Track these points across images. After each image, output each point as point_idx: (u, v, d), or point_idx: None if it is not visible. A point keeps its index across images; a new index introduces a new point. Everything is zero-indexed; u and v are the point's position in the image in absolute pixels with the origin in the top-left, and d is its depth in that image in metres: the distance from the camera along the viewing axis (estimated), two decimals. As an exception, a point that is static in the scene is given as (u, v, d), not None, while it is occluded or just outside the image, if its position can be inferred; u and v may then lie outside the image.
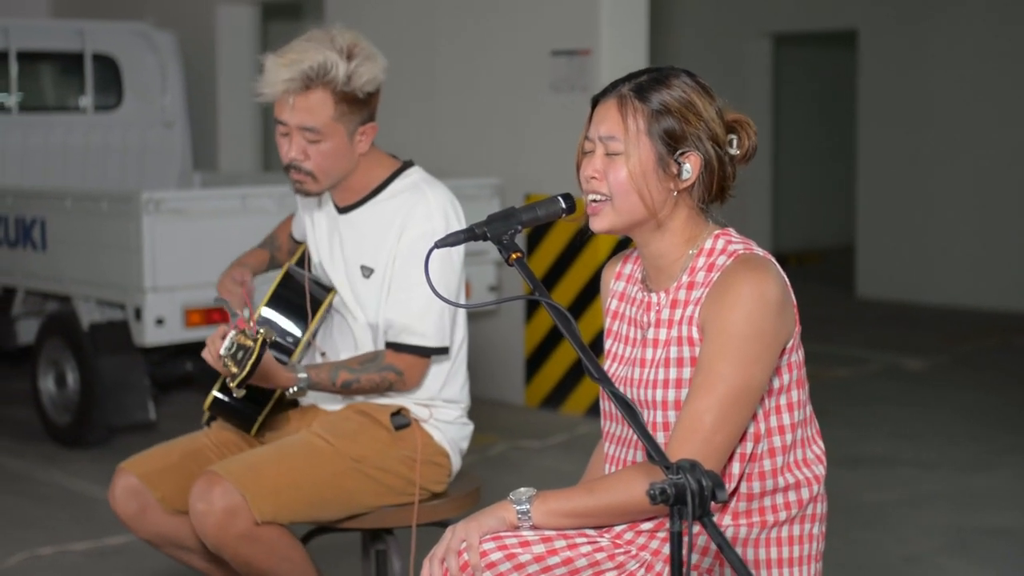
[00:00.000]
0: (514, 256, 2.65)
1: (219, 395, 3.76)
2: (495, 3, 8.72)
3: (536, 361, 8.42)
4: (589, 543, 2.70)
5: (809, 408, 2.85)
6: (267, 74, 3.64)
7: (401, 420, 3.73)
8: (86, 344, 7.49)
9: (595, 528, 2.74)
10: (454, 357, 3.80)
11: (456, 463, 3.83)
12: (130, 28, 10.01)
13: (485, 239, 2.69)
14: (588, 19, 8.14)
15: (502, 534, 2.68)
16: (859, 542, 5.77)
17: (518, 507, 2.69)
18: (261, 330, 3.12)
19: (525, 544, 2.66)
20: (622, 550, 2.72)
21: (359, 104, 3.70)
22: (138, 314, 6.99)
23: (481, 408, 8.45)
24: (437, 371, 3.78)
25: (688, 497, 2.19)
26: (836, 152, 16.52)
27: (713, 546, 2.69)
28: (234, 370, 3.11)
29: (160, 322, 6.96)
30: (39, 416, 7.88)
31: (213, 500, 3.43)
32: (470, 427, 3.89)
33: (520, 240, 8.40)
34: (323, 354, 3.85)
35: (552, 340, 8.24)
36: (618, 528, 2.75)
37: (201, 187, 9.65)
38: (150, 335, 6.97)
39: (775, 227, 15.21)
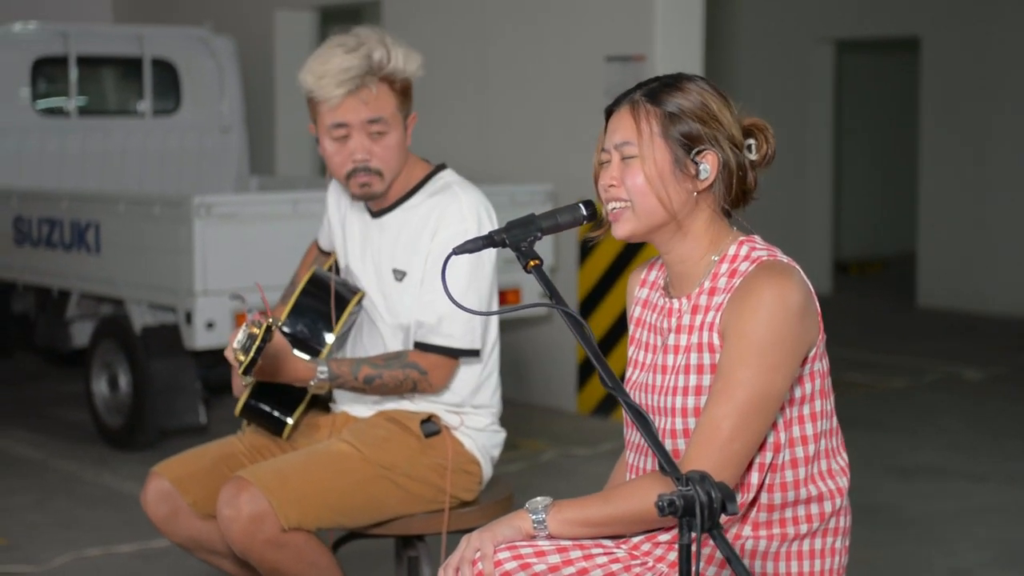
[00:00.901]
0: (532, 263, 2.64)
1: (250, 400, 3.76)
2: (548, 8, 8.71)
3: (588, 368, 8.40)
4: (605, 554, 2.67)
5: (835, 419, 2.80)
6: (322, 81, 3.61)
7: (431, 427, 3.71)
8: (138, 347, 7.54)
9: (612, 538, 2.71)
10: (485, 361, 3.78)
11: (487, 471, 3.81)
12: (189, 33, 10.09)
13: (504, 246, 2.68)
14: (643, 25, 8.11)
15: (517, 543, 2.66)
16: (906, 554, 5.71)
17: (534, 516, 2.67)
18: (270, 318, 3.12)
19: (540, 554, 2.64)
20: (639, 561, 2.69)
21: (409, 94, 3.75)
22: (189, 318, 7.03)
23: (533, 415, 8.45)
24: (469, 375, 3.76)
25: (697, 509, 2.16)
26: (899, 160, 16.37)
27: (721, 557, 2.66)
28: (241, 358, 3.11)
29: (211, 326, 7.00)
30: (92, 418, 7.95)
31: (240, 506, 3.44)
32: (502, 434, 3.87)
33: (571, 252, 8.38)
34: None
35: (604, 347, 8.20)
36: (635, 539, 2.72)
37: (258, 191, 9.69)
38: (200, 338, 7.01)
39: (836, 236, 15.09)
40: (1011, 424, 8.19)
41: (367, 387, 3.62)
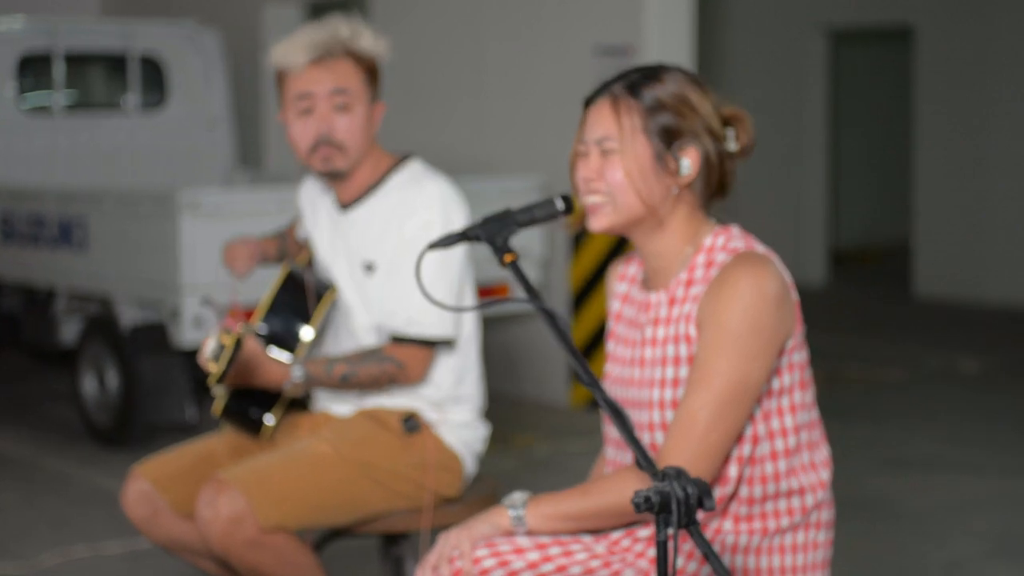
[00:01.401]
0: (508, 258, 2.59)
1: (229, 401, 3.71)
2: (541, 1, 8.66)
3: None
4: (584, 550, 2.64)
5: (815, 412, 2.76)
6: (288, 49, 3.61)
7: (412, 424, 3.67)
8: (126, 345, 7.49)
9: (592, 532, 2.68)
10: (464, 351, 3.73)
11: (470, 467, 3.77)
12: (175, 28, 10.03)
13: (479, 241, 2.63)
14: (633, 15, 8.07)
15: (496, 540, 2.63)
16: (902, 546, 5.68)
17: (512, 512, 2.64)
18: (239, 327, 3.09)
19: (519, 551, 2.61)
20: (618, 557, 2.66)
21: (375, 77, 3.72)
22: (175, 315, 6.98)
23: (524, 410, 8.41)
24: (447, 368, 3.72)
25: (673, 505, 2.12)
26: (894, 150, 16.32)
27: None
28: (212, 368, 3.07)
29: (198, 323, 6.94)
30: (81, 417, 7.90)
31: (218, 507, 3.40)
32: (484, 430, 3.82)
33: (563, 246, 8.33)
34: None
35: (596, 341, 8.16)
36: (615, 535, 2.68)
37: (247, 186, 9.64)
38: (188, 335, 6.95)
39: (833, 226, 15.05)
40: (1007, 415, 8.15)
41: (343, 384, 3.58)
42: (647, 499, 2.12)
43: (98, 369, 7.78)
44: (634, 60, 7.93)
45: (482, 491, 3.83)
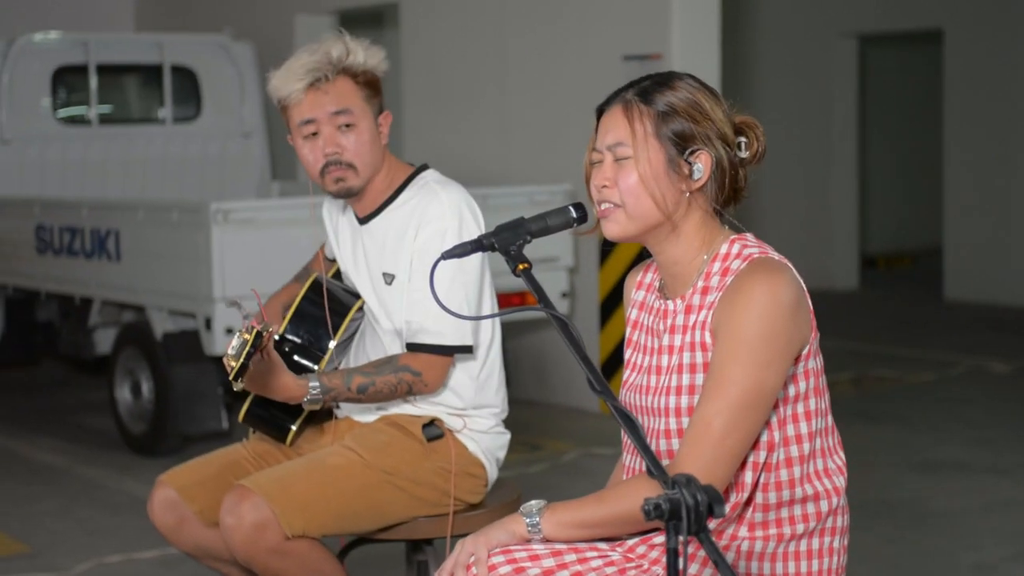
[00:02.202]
0: (521, 267, 2.63)
1: (253, 407, 3.76)
2: (565, 8, 8.71)
3: (611, 368, 8.37)
4: (600, 557, 2.66)
5: (830, 418, 2.78)
6: (282, 78, 3.65)
7: (434, 431, 3.70)
8: (160, 354, 7.57)
9: (607, 540, 2.70)
10: (483, 359, 3.76)
11: (492, 473, 3.80)
12: (208, 40, 10.13)
13: (493, 250, 2.67)
14: (659, 24, 8.09)
15: (512, 548, 2.64)
16: (929, 549, 5.68)
17: (528, 519, 2.66)
18: (259, 325, 3.12)
19: (535, 557, 2.63)
20: (633, 564, 2.68)
21: (377, 89, 3.73)
22: (208, 324, 7.04)
23: (555, 415, 8.45)
24: (468, 376, 3.74)
25: (683, 512, 2.15)
26: (925, 154, 16.28)
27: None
28: (232, 363, 3.11)
29: (230, 331, 7.01)
30: (116, 425, 7.98)
31: (242, 514, 3.43)
32: (506, 436, 3.86)
33: (591, 253, 8.36)
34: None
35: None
36: (631, 542, 2.70)
37: (279, 197, 9.71)
38: (220, 344, 7.02)
39: (863, 230, 15.01)
40: (1037, 417, 8.15)
41: (362, 396, 3.61)
42: (657, 506, 2.15)
43: (132, 378, 7.86)
44: (661, 68, 7.95)
45: (505, 497, 3.86)
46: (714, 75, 8.14)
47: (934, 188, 14.90)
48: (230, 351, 3.13)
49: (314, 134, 3.66)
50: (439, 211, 3.64)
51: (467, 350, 3.68)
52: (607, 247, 8.25)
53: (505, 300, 7.61)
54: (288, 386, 3.48)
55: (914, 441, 7.58)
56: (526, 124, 8.96)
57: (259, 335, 3.09)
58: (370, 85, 3.70)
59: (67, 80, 9.63)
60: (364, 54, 3.68)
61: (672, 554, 2.17)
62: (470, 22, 9.35)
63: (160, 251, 7.43)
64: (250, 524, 3.42)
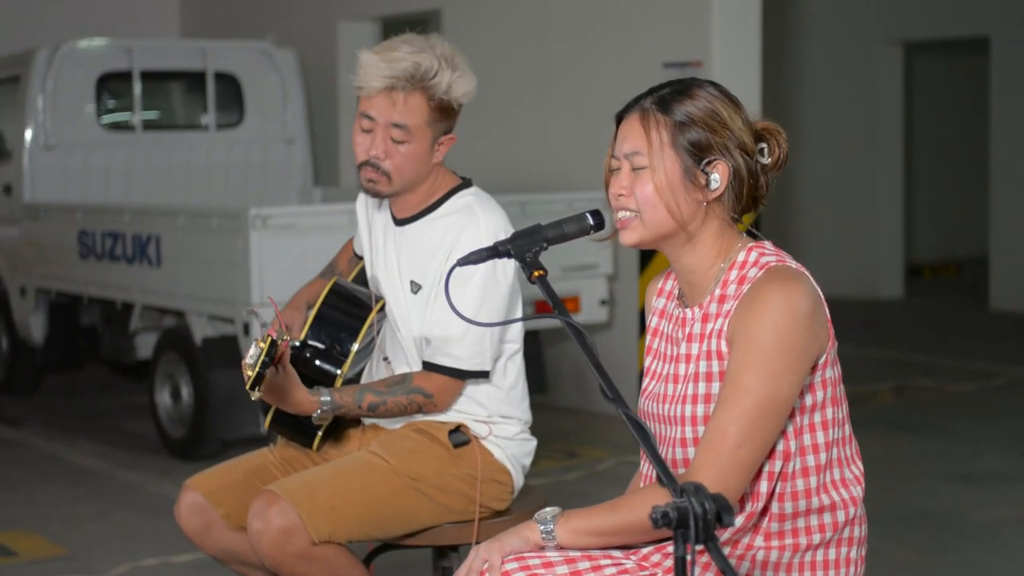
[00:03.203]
0: (536, 274, 2.63)
1: (278, 414, 3.77)
2: (606, 16, 8.71)
3: (649, 375, 8.35)
4: (614, 565, 2.66)
5: (848, 427, 2.77)
6: (366, 68, 3.63)
7: (460, 437, 3.70)
8: (199, 358, 7.61)
9: (621, 548, 2.70)
10: (508, 370, 3.75)
11: (518, 480, 3.80)
12: (251, 47, 10.18)
13: (509, 256, 2.67)
14: (700, 31, 8.08)
15: (525, 555, 2.65)
16: (967, 561, 5.65)
17: (542, 527, 2.66)
18: (272, 335, 3.13)
19: (548, 565, 2.63)
20: (647, 572, 2.67)
21: (449, 114, 3.70)
22: (246, 329, 7.08)
23: (594, 422, 8.44)
24: (495, 386, 3.74)
25: (691, 521, 2.14)
26: (971, 162, 16.18)
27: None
28: (248, 373, 3.12)
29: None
30: (156, 429, 8.03)
31: (270, 519, 3.45)
32: (532, 443, 3.85)
33: (632, 261, 8.35)
34: (386, 358, 3.83)
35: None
36: (645, 550, 2.70)
37: (322, 202, 9.75)
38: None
39: (908, 238, 14.93)
40: (1079, 428, 8.09)
41: (372, 414, 3.63)
42: (664, 514, 2.14)
43: (172, 382, 7.91)
44: (701, 75, 7.94)
45: (532, 504, 3.85)
46: (755, 82, 8.13)
47: (980, 196, 14.80)
48: (248, 359, 3.15)
49: (370, 130, 3.67)
50: (475, 237, 3.59)
51: (483, 375, 3.67)
52: (647, 254, 8.24)
53: (544, 308, 7.61)
54: (301, 401, 3.50)
55: (954, 452, 7.53)
56: (566, 131, 8.96)
57: (273, 344, 3.10)
58: (442, 110, 3.66)
59: (111, 86, 9.69)
60: (449, 81, 3.63)
61: (680, 562, 2.17)
62: (511, 28, 9.37)
63: (200, 256, 7.48)
64: (277, 529, 3.44)
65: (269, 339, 3.11)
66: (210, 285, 7.40)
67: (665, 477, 2.27)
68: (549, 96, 9.12)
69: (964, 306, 13.32)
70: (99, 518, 6.59)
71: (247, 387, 3.12)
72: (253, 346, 3.15)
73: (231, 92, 10.00)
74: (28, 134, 9.35)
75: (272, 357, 3.10)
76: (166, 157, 9.77)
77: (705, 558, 2.64)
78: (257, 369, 3.09)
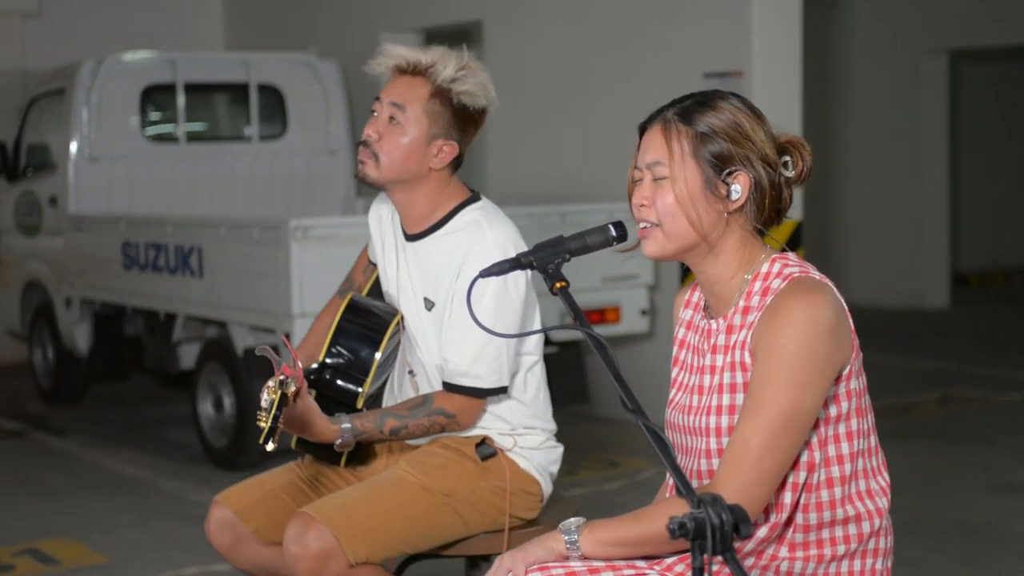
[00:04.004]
0: (558, 285, 2.64)
1: None
2: (647, 27, 8.71)
3: (690, 385, 8.34)
4: (637, 575, 2.66)
5: (874, 438, 2.76)
6: (384, 56, 3.67)
7: (487, 450, 3.70)
8: (241, 369, 7.65)
9: (644, 558, 2.70)
10: (530, 382, 3.76)
11: (547, 488, 3.80)
12: (294, 58, 10.24)
13: (532, 268, 2.68)
14: (741, 41, 8.07)
15: (549, 565, 2.65)
16: (1007, 572, 5.62)
17: (567, 537, 2.67)
18: (284, 381, 3.10)
19: (571, 575, 2.63)
20: (670, 583, 2.68)
21: (451, 111, 3.66)
22: (287, 340, 7.10)
23: (635, 433, 8.41)
24: (517, 400, 3.74)
25: (708, 532, 2.15)
26: (1018, 170, 16.07)
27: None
28: (261, 424, 3.07)
29: (308, 347, 7.05)
30: (199, 439, 8.08)
31: (307, 543, 3.45)
32: (559, 449, 3.85)
33: (672, 271, 8.34)
34: (411, 372, 3.84)
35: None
36: (669, 560, 2.70)
37: (364, 214, 9.77)
38: (300, 361, 7.06)
39: (955, 248, 14.85)
40: (1124, 439, 8.02)
41: (394, 438, 3.64)
42: (681, 525, 2.15)
43: (215, 393, 7.96)
44: (742, 85, 7.93)
45: (564, 513, 3.85)
46: (796, 92, 8.11)
47: (1026, 205, 14.73)
48: (263, 403, 3.10)
49: (374, 112, 3.69)
50: (484, 253, 3.58)
51: (502, 391, 3.68)
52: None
53: (592, 319, 7.61)
54: (321, 431, 3.51)
55: (996, 462, 7.48)
56: (607, 141, 8.97)
57: (284, 397, 3.06)
58: (442, 100, 3.63)
59: (155, 99, 9.77)
60: (454, 73, 3.61)
61: (698, 573, 2.17)
62: (553, 39, 9.38)
63: (241, 267, 7.52)
64: (315, 553, 3.44)
65: (280, 390, 3.07)
66: (251, 296, 7.45)
67: (683, 487, 2.27)
68: (590, 107, 9.12)
69: (1011, 315, 13.22)
70: (141, 527, 6.64)
71: (260, 440, 3.06)
72: (264, 393, 3.11)
73: (274, 104, 10.06)
74: (73, 146, 9.43)
75: (283, 407, 3.07)
76: (209, 169, 9.83)
77: (726, 568, 2.64)
78: (269, 423, 3.04)
